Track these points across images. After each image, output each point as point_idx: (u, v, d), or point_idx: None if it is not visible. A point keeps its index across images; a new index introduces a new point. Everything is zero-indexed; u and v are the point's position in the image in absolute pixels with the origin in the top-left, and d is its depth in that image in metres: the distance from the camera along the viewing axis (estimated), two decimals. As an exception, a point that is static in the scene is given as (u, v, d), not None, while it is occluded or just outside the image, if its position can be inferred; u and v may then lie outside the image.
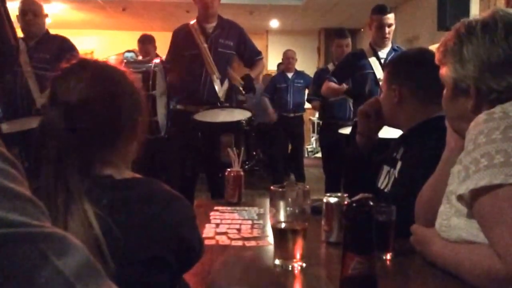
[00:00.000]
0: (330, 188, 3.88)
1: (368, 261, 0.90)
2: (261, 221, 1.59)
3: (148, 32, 5.64)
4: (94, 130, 0.92)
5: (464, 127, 1.12)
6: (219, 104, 3.44)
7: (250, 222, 1.59)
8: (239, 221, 1.59)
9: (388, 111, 1.70)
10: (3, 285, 0.51)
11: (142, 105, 1.02)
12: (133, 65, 4.36)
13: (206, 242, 1.23)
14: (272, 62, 9.24)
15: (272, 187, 1.18)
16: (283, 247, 1.16)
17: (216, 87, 3.46)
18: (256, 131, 6.48)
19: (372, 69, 3.66)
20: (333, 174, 4.47)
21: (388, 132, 1.97)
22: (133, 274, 0.85)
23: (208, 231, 1.48)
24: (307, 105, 6.07)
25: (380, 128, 1.83)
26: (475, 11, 4.98)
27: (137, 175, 0.96)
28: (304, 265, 1.14)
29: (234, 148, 2.01)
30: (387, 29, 3.64)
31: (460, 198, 1.06)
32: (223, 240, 1.39)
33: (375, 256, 0.92)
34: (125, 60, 4.84)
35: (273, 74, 7.61)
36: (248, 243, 1.36)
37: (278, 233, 1.17)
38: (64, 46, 3.40)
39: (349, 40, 4.89)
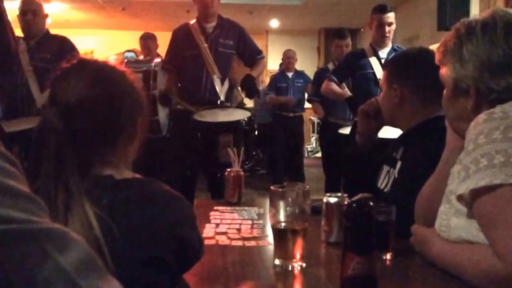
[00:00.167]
0: (330, 188, 3.89)
1: (368, 261, 0.90)
2: (261, 221, 1.60)
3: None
4: (94, 130, 0.92)
5: (464, 127, 1.12)
6: (219, 104, 3.43)
7: (250, 222, 1.59)
8: (239, 221, 1.60)
9: (388, 111, 1.70)
10: (5, 281, 0.51)
11: (142, 105, 1.02)
12: (133, 65, 4.38)
13: (206, 242, 1.23)
14: (272, 62, 9.23)
15: (272, 187, 1.18)
16: (283, 247, 1.16)
17: (217, 87, 3.45)
18: (256, 131, 6.53)
19: (372, 69, 3.66)
20: (333, 174, 4.47)
21: (388, 132, 1.97)
22: (133, 274, 0.84)
23: (208, 231, 1.48)
24: (307, 105, 6.07)
25: (380, 128, 1.83)
26: (475, 11, 4.98)
27: (137, 175, 0.96)
28: (304, 265, 1.15)
29: (234, 148, 2.01)
30: (387, 28, 3.64)
31: (460, 198, 1.06)
32: (223, 240, 1.39)
33: (375, 256, 0.92)
34: (126, 60, 4.84)
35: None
36: (248, 243, 1.36)
37: (278, 233, 1.17)
38: (64, 46, 3.40)
39: (348, 40, 4.89)
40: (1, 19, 1.97)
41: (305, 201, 1.15)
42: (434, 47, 1.41)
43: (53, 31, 3.55)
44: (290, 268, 1.14)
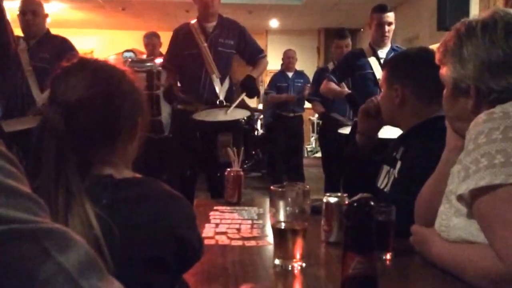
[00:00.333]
0: (330, 188, 3.89)
1: (369, 261, 0.90)
2: (260, 221, 1.59)
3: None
4: (94, 129, 0.92)
5: (464, 127, 1.12)
6: (218, 104, 3.43)
7: (249, 222, 1.59)
8: (239, 221, 1.59)
9: (388, 111, 1.70)
10: (6, 281, 0.51)
11: (142, 104, 1.01)
12: (137, 64, 4.37)
13: (206, 242, 1.23)
14: (271, 62, 9.16)
15: (272, 187, 1.18)
16: (282, 247, 1.16)
17: (216, 87, 3.45)
18: (261, 131, 6.52)
19: (372, 69, 3.66)
20: (332, 174, 4.47)
21: (388, 132, 1.97)
22: (133, 274, 0.84)
23: (207, 231, 1.48)
24: (307, 105, 6.07)
25: (380, 127, 1.83)
26: (475, 11, 4.98)
27: (137, 175, 0.96)
28: (303, 265, 1.14)
29: (234, 148, 2.00)
30: (386, 28, 3.64)
31: (460, 198, 1.06)
32: (222, 240, 1.39)
33: (376, 256, 0.92)
34: (130, 59, 4.84)
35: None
36: (247, 243, 1.36)
37: (278, 233, 1.17)
38: (64, 47, 3.40)
39: (349, 41, 4.89)
40: (1, 18, 1.97)
41: (305, 201, 1.15)
42: (434, 47, 1.41)
43: (52, 31, 3.56)
44: (290, 268, 1.14)
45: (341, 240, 0.98)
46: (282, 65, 6.76)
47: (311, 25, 10.20)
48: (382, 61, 3.62)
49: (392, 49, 3.71)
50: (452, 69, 1.17)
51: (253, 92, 3.47)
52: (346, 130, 3.93)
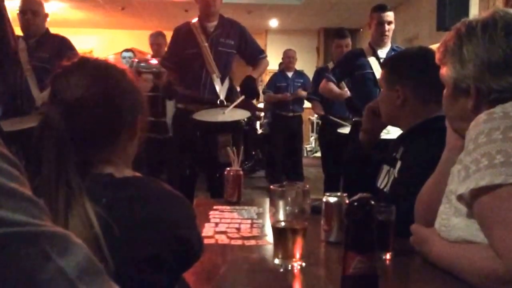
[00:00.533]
0: (329, 188, 3.90)
1: (369, 260, 0.90)
2: (260, 221, 1.59)
3: (147, 31, 5.65)
4: (94, 129, 0.92)
5: (464, 127, 1.12)
6: (219, 103, 3.43)
7: (249, 221, 1.59)
8: (239, 221, 1.59)
9: (388, 111, 1.70)
10: (6, 284, 0.51)
11: (142, 103, 1.02)
12: (144, 65, 4.36)
13: (206, 241, 1.23)
14: (271, 62, 9.15)
15: (271, 187, 1.18)
16: (282, 246, 1.16)
17: (217, 87, 3.45)
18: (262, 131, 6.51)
19: (371, 69, 3.66)
20: (332, 173, 4.47)
21: (388, 132, 1.97)
22: (133, 273, 0.84)
23: (207, 230, 1.48)
24: (307, 105, 6.07)
25: (385, 126, 1.84)
26: (475, 11, 4.98)
27: (137, 174, 0.96)
28: (303, 264, 1.14)
29: (234, 148, 2.01)
30: (386, 27, 3.64)
31: (460, 198, 1.06)
32: (222, 239, 1.39)
33: (376, 255, 0.92)
34: (136, 60, 4.82)
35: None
36: (247, 243, 1.36)
37: (278, 233, 1.17)
38: (63, 46, 3.40)
39: (348, 40, 4.89)
40: (1, 17, 1.97)
41: (305, 200, 1.15)
42: (434, 47, 1.41)
43: (51, 30, 3.56)
44: (289, 268, 1.14)
45: (341, 240, 0.98)
46: (281, 64, 6.76)
47: (310, 25, 10.20)
48: (382, 61, 3.62)
49: (392, 49, 3.71)
50: (452, 69, 1.17)
51: (253, 93, 3.46)
52: (345, 130, 3.94)
